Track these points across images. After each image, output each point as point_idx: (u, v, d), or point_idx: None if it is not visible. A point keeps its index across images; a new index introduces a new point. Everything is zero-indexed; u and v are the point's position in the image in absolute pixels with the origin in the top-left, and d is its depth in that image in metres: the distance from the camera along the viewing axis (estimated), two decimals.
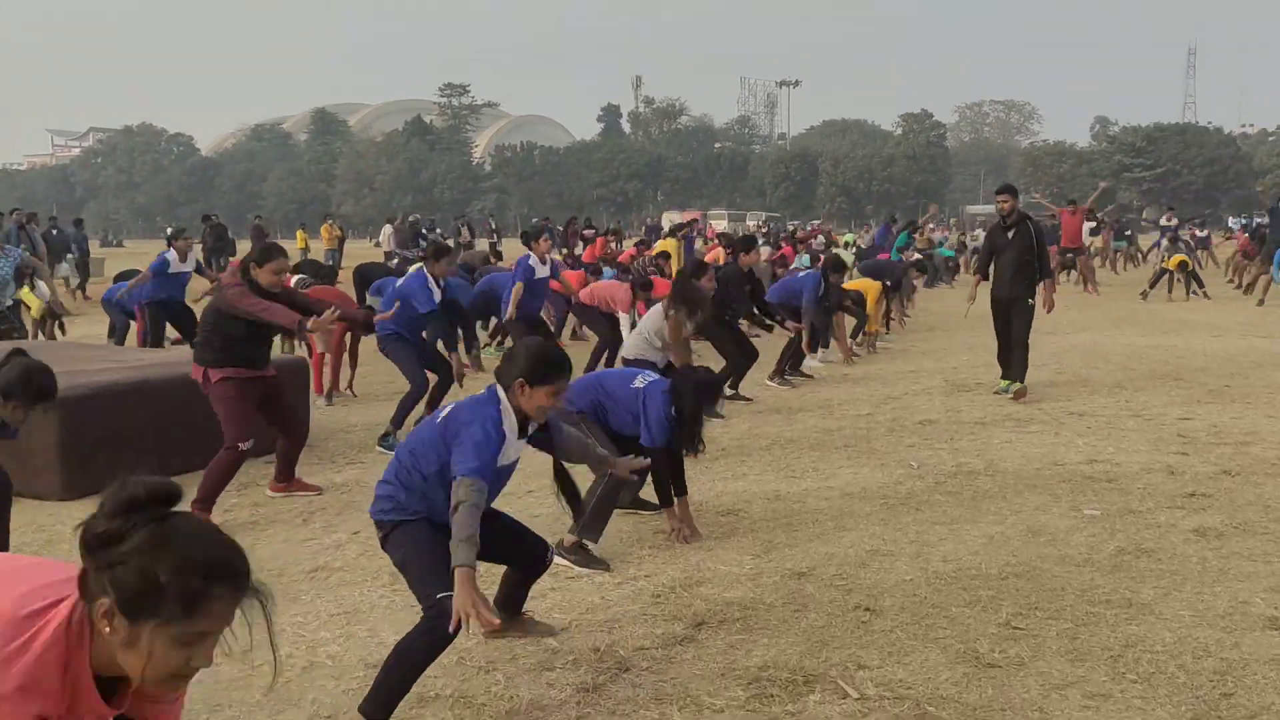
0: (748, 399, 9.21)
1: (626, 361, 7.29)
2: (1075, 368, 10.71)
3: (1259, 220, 33.75)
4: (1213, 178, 79.23)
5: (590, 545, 4.86)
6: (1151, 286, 19.06)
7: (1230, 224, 59.39)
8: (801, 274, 10.41)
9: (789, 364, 10.40)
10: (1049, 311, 9.11)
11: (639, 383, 5.12)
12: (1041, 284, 8.94)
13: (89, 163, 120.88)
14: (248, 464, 5.81)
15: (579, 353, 10.43)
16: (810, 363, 11.25)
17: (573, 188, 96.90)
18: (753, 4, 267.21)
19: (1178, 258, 19.19)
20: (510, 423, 3.44)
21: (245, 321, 5.57)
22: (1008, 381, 9.09)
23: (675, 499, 5.17)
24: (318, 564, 4.91)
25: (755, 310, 9.58)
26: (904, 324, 15.05)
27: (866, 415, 8.43)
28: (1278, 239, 18.37)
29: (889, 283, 12.90)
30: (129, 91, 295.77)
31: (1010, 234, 8.98)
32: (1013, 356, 9.06)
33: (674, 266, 16.34)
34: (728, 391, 9.24)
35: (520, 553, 3.82)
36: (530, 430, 3.61)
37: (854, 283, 12.36)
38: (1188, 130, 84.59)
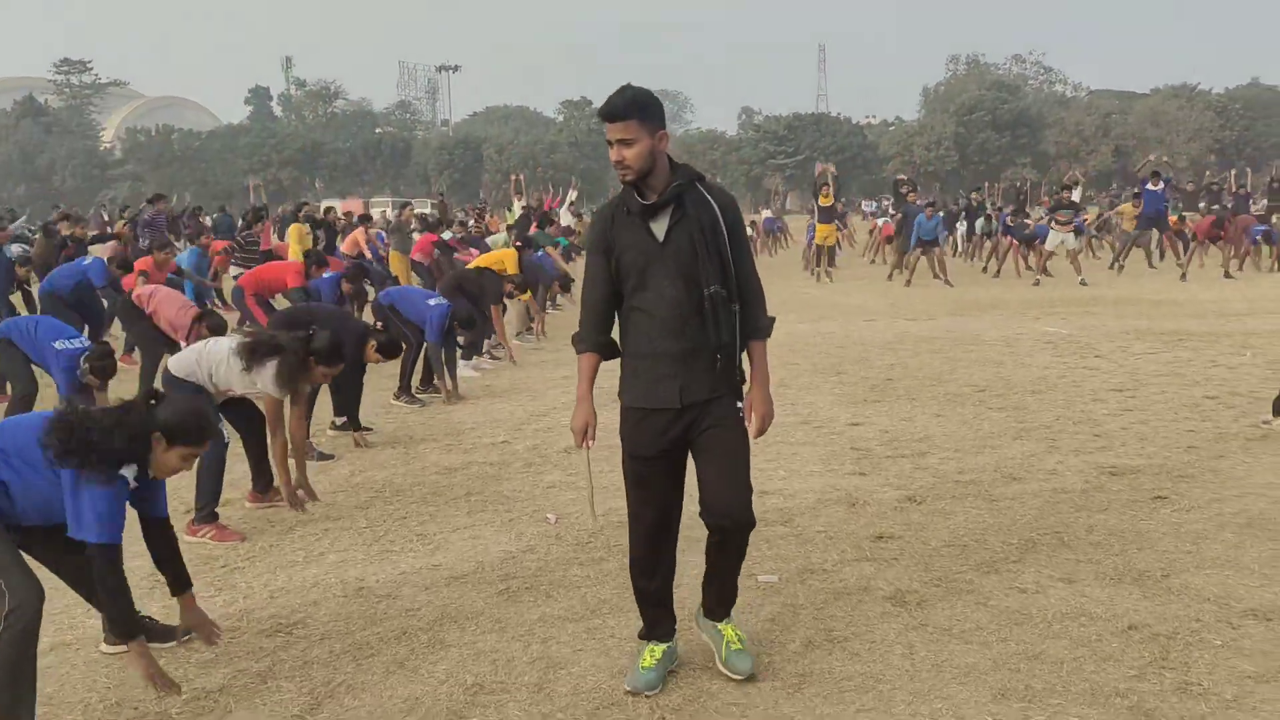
0: (366, 429, 7.39)
1: (172, 372, 5.30)
2: None
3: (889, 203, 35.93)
4: (845, 164, 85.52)
5: None
6: (817, 264, 20.22)
7: (864, 207, 64.18)
8: (433, 302, 8.42)
9: (417, 377, 8.71)
10: (758, 432, 3.33)
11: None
12: (748, 351, 3.36)
13: None
14: None
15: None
16: (465, 371, 9.65)
17: (219, 175, 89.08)
18: None
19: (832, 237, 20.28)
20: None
21: None
22: (727, 628, 3.49)
23: (136, 633, 3.29)
24: None
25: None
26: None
27: (502, 444, 6.90)
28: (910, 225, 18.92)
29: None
30: None
31: (665, 225, 3.23)
32: (718, 571, 3.44)
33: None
34: (338, 420, 7.41)
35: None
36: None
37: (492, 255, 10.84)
38: (822, 120, 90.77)
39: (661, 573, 3.42)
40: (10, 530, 3.17)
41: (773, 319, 3.38)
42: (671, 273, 3.21)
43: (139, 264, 10.43)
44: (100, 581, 3.17)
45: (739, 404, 3.28)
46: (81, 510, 3.07)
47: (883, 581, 4.22)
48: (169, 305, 8.15)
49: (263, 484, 5.56)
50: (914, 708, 3.18)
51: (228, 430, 5.36)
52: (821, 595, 4.10)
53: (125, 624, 3.26)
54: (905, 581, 4.21)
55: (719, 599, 3.48)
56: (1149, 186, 19.49)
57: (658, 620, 3.46)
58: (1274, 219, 22.77)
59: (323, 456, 6.66)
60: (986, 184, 38.33)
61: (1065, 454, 6.14)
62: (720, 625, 3.49)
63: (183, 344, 7.86)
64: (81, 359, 6.45)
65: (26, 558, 3.16)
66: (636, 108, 3.16)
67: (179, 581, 3.49)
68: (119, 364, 7.50)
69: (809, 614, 3.91)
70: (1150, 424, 6.85)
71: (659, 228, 3.24)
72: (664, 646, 3.45)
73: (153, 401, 3.31)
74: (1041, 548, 4.56)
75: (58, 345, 6.46)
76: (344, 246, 16.45)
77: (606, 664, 3.54)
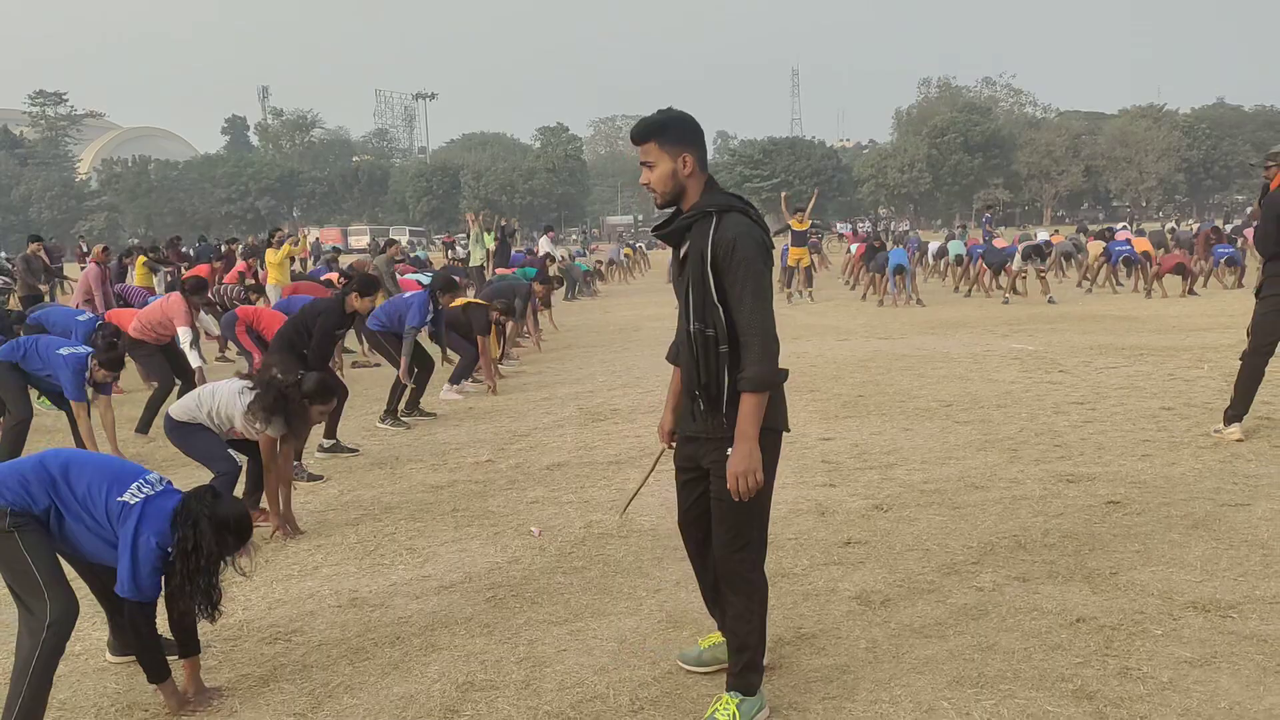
0: (352, 450, 7.64)
1: (174, 418, 5.54)
2: None
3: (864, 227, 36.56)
4: (820, 186, 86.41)
5: None
6: (789, 286, 20.49)
7: (839, 229, 64.74)
8: (408, 295, 9.00)
9: (405, 401, 8.93)
10: (735, 494, 3.08)
11: (130, 497, 3.41)
12: (743, 385, 3.05)
13: None
14: None
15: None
16: (449, 394, 9.95)
17: (196, 205, 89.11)
18: (383, 14, 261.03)
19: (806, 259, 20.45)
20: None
21: None
22: (721, 699, 3.27)
23: (165, 676, 3.52)
24: None
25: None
26: (540, 346, 14.06)
27: (486, 463, 7.13)
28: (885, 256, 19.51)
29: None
30: None
31: (683, 253, 3.20)
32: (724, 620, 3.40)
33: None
34: (326, 443, 7.65)
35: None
36: None
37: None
38: (797, 144, 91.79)
39: (702, 574, 3.56)
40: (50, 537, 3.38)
41: (780, 372, 3.11)
42: (682, 301, 3.18)
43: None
44: (135, 631, 3.42)
45: (729, 450, 3.09)
46: (131, 573, 3.31)
47: (849, 583, 4.47)
48: (151, 314, 8.51)
49: (253, 500, 5.77)
50: (875, 694, 3.43)
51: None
52: (791, 597, 4.35)
53: (155, 668, 3.48)
54: (870, 583, 4.46)
55: (730, 659, 3.30)
56: (1116, 238, 20.70)
57: (711, 608, 3.64)
58: (1238, 243, 23.42)
59: (312, 478, 6.86)
60: (961, 225, 39.27)
61: (1026, 464, 6.42)
62: (724, 695, 3.27)
63: (180, 329, 8.24)
64: (90, 359, 6.76)
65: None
66: (655, 130, 3.11)
67: (189, 646, 3.60)
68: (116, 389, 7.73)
69: (779, 613, 4.16)
70: (1108, 434, 7.15)
71: (683, 254, 3.19)
72: (719, 638, 3.58)
73: (211, 496, 3.49)
74: (1000, 550, 4.82)
75: (63, 351, 6.76)
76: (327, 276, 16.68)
77: (590, 662, 3.78)
